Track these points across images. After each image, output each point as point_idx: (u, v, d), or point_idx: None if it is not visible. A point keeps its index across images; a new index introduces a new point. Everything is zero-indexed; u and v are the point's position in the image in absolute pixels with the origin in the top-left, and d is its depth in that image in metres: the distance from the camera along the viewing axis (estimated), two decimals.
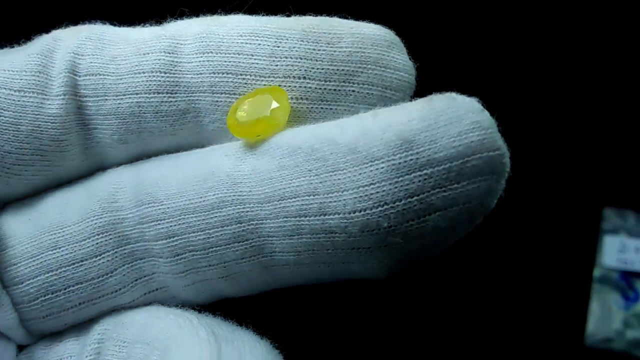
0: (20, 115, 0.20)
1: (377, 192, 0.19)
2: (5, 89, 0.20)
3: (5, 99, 0.20)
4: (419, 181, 0.18)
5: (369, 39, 0.20)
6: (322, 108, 0.20)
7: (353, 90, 0.20)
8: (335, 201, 0.19)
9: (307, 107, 0.20)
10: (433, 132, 0.18)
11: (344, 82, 0.20)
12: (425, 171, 0.19)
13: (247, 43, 0.20)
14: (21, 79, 0.20)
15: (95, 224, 0.21)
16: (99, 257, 0.21)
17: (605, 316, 0.46)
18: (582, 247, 0.47)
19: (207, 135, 0.21)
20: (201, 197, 0.20)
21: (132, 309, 0.22)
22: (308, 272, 0.20)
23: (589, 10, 0.49)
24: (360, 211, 0.19)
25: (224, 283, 0.21)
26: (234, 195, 0.20)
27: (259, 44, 0.20)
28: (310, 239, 0.19)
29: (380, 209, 0.18)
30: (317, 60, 0.20)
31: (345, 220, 0.19)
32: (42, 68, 0.21)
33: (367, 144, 0.19)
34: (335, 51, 0.20)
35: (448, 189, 0.18)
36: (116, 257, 0.21)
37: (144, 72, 0.20)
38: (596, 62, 0.49)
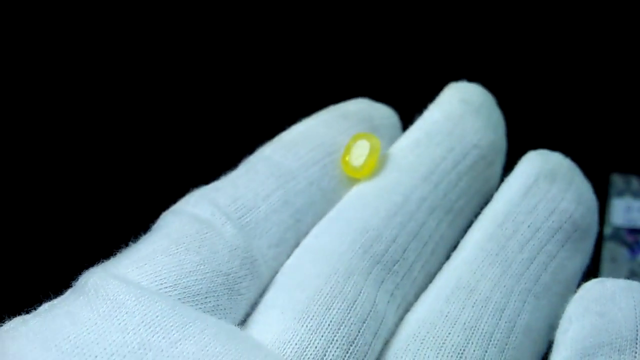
0: (214, 244, 0.21)
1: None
2: (186, 236, 0.21)
3: (195, 240, 0.21)
4: None
5: (360, 107, 0.27)
6: None
7: (378, 128, 0.27)
8: (470, 140, 0.25)
9: None
10: None
11: (370, 126, 0.27)
12: None
13: (307, 131, 0.26)
14: (192, 227, 0.22)
15: (339, 273, 0.21)
16: (362, 294, 0.21)
17: (614, 267, 0.52)
18: None
19: (331, 195, 0.25)
20: (390, 201, 0.23)
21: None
22: None
23: None
24: (481, 138, 0.26)
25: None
26: (407, 188, 0.24)
27: (315, 127, 0.26)
28: (467, 174, 0.25)
29: None
30: (349, 119, 0.27)
31: (477, 148, 0.25)
32: (194, 219, 0.22)
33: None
34: (353, 115, 0.27)
35: None
36: (370, 287, 0.21)
37: (268, 178, 0.24)
38: (600, 33, 0.55)
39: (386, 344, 0.21)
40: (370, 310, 0.21)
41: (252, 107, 0.55)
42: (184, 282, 0.20)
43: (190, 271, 0.20)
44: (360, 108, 0.27)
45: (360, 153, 0.25)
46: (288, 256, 0.23)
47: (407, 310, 0.22)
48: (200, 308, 0.20)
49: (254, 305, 0.22)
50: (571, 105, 0.55)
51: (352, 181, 0.25)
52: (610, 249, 0.53)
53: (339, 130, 0.26)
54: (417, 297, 0.23)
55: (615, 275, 0.52)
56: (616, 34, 0.55)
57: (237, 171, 0.24)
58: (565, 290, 0.23)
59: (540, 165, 0.25)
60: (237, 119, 0.55)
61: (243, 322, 0.22)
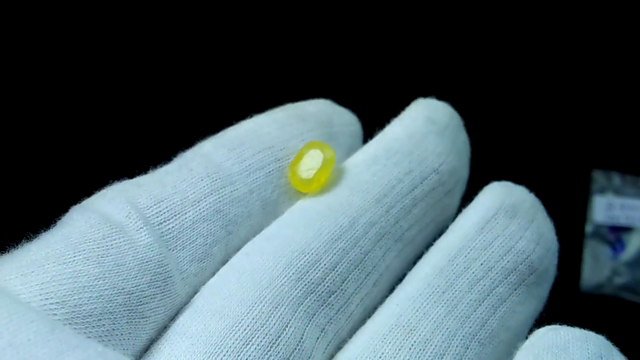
0: (121, 254, 0.19)
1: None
2: (89, 242, 0.19)
3: (98, 247, 0.19)
4: None
5: (321, 109, 0.25)
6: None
7: (336, 135, 0.25)
8: (430, 163, 0.23)
9: None
10: None
11: (328, 132, 0.24)
12: None
13: (257, 129, 0.23)
14: (98, 230, 0.19)
15: (265, 301, 0.19)
16: (287, 328, 0.19)
17: (596, 265, 0.52)
18: (575, 206, 0.53)
19: (272, 207, 0.22)
20: (335, 224, 0.21)
21: None
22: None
23: None
24: (442, 163, 0.23)
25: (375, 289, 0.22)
26: (356, 210, 0.22)
27: (267, 126, 0.23)
28: (423, 200, 0.23)
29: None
30: (307, 122, 0.24)
31: (437, 173, 0.23)
32: (105, 219, 0.19)
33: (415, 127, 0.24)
34: (311, 118, 0.24)
35: None
36: (299, 320, 0.19)
37: (202, 179, 0.21)
38: (582, 31, 0.55)
39: None
40: (295, 348, 0.19)
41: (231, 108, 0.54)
42: (74, 299, 0.17)
43: (85, 286, 0.17)
44: (320, 110, 0.25)
45: (311, 165, 0.22)
46: (213, 273, 0.21)
47: (338, 348, 0.20)
48: (91, 332, 0.17)
49: (163, 329, 0.19)
50: (553, 102, 0.55)
51: (298, 194, 0.23)
52: (592, 246, 0.52)
53: (293, 134, 0.23)
54: (351, 333, 0.21)
55: (598, 273, 0.52)
56: (597, 31, 0.55)
57: (168, 166, 0.22)
58: (513, 338, 0.21)
59: (501, 198, 0.23)
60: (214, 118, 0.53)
61: (146, 349, 0.19)
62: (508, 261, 0.21)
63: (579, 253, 0.52)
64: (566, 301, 0.51)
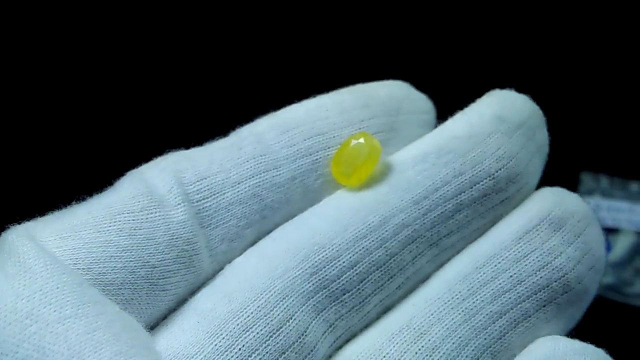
0: (154, 228, 0.19)
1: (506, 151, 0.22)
2: (127, 213, 0.19)
3: (134, 219, 0.19)
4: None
5: (392, 94, 0.24)
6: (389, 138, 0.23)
7: (401, 125, 0.23)
8: (486, 167, 0.22)
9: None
10: None
11: (392, 121, 0.23)
12: None
13: (315, 112, 0.22)
14: (138, 202, 0.20)
15: (275, 291, 0.19)
16: (291, 320, 0.19)
17: None
18: None
19: (313, 194, 0.22)
20: (363, 222, 0.21)
21: None
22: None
23: None
24: (501, 168, 0.22)
25: (399, 292, 0.21)
26: (390, 210, 0.21)
27: (326, 110, 0.22)
28: (469, 207, 0.22)
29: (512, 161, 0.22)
30: (370, 108, 0.23)
31: (493, 179, 0.22)
32: (149, 191, 0.20)
33: (481, 126, 0.22)
34: (377, 104, 0.23)
35: None
36: (305, 313, 0.19)
37: (247, 161, 0.21)
38: (570, 36, 0.55)
39: None
40: (295, 342, 0.19)
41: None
42: (99, 267, 0.18)
43: (111, 256, 0.18)
44: (390, 95, 0.23)
45: (354, 158, 0.22)
46: (242, 252, 0.21)
47: (347, 343, 0.20)
48: (110, 298, 0.18)
49: (183, 301, 0.20)
50: (542, 104, 0.55)
51: (340, 184, 0.22)
52: None
53: (352, 121, 0.22)
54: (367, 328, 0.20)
55: None
56: (585, 35, 0.55)
57: (222, 142, 0.22)
58: None
59: (549, 207, 0.21)
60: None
61: (164, 317, 0.20)
62: (541, 277, 0.20)
63: None
64: None
